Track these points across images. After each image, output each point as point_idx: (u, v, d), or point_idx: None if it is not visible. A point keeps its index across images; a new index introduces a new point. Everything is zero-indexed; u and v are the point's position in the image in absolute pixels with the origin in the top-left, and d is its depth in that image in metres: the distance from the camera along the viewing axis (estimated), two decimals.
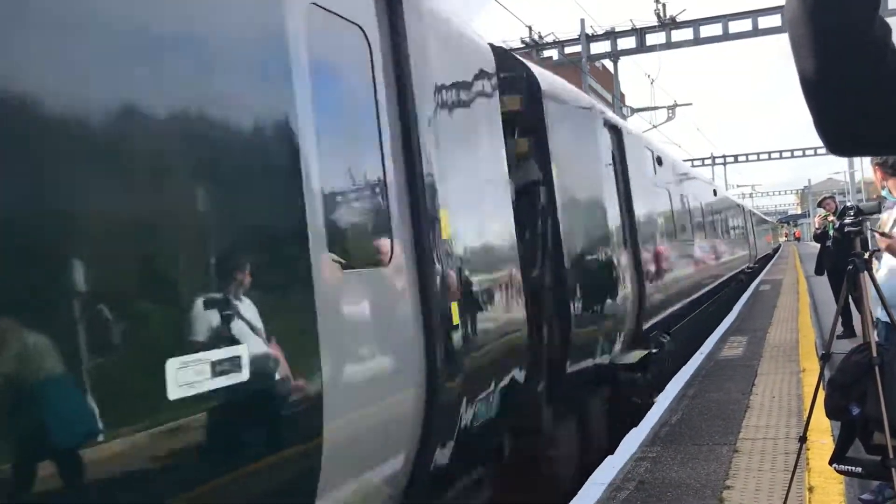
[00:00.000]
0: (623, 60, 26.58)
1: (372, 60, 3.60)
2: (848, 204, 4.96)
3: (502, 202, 5.12)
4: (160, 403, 2.22)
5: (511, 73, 6.11)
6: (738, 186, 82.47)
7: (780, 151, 57.50)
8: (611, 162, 8.31)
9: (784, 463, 5.63)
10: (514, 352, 4.95)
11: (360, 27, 3.55)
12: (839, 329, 6.04)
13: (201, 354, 2.37)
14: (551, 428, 6.02)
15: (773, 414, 7.27)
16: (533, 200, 6.02)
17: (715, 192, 20.42)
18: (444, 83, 4.34)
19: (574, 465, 6.54)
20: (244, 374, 2.52)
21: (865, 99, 1.12)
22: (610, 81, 29.11)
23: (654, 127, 28.84)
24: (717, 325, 14.76)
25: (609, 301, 7.26)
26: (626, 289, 7.84)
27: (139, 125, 2.31)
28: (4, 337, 1.90)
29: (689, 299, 12.54)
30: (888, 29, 1.13)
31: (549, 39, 25.30)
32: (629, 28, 24.75)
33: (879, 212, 5.04)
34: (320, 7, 3.23)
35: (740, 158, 61.18)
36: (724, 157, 62.21)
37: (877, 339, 4.45)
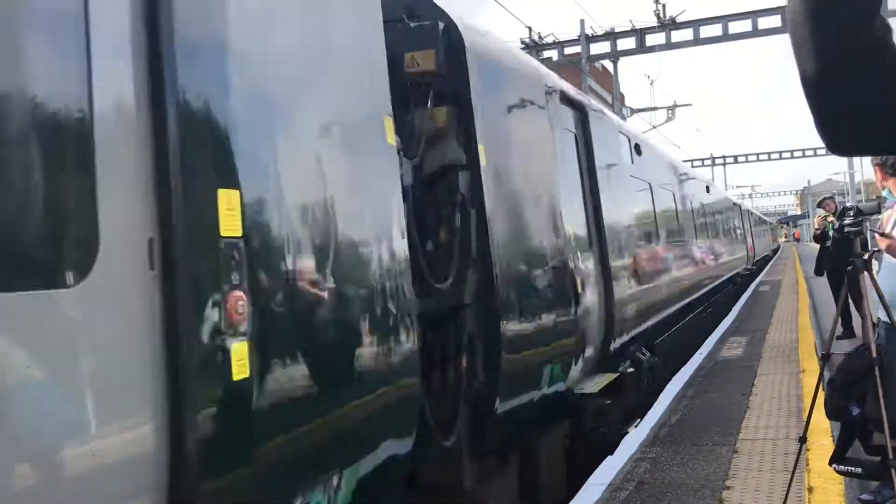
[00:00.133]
0: (623, 61, 26.63)
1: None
2: (847, 204, 4.93)
3: (380, 197, 3.68)
4: None
5: (422, 20, 4.80)
6: (737, 187, 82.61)
7: (780, 152, 57.57)
8: (572, 147, 7.02)
9: (784, 463, 5.63)
10: (391, 411, 3.48)
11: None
12: (839, 330, 6.04)
13: None
14: (479, 492, 4.94)
15: (772, 414, 7.27)
16: (448, 192, 4.74)
17: (708, 189, 18.77)
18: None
19: None
20: None
21: (866, 99, 1.13)
22: (610, 82, 29.12)
23: (654, 127, 28.87)
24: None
25: (562, 317, 5.86)
26: (589, 301, 6.56)
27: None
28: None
29: (676, 307, 11.26)
30: (889, 29, 1.13)
31: (549, 40, 25.33)
32: (629, 29, 24.77)
33: (879, 212, 5.05)
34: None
35: (740, 159, 61.24)
36: (723, 157, 62.28)
37: (877, 339, 4.46)
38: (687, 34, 24.44)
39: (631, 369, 7.76)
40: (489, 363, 4.75)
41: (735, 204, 26.70)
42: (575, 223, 6.59)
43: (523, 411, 5.23)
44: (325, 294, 3.06)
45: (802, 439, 4.56)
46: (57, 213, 2.07)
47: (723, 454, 6.09)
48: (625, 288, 7.84)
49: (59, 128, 2.06)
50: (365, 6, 3.70)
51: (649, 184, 10.45)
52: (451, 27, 4.85)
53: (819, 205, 12.59)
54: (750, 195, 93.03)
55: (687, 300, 12.42)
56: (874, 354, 4.05)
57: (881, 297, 4.44)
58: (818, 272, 12.36)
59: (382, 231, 3.61)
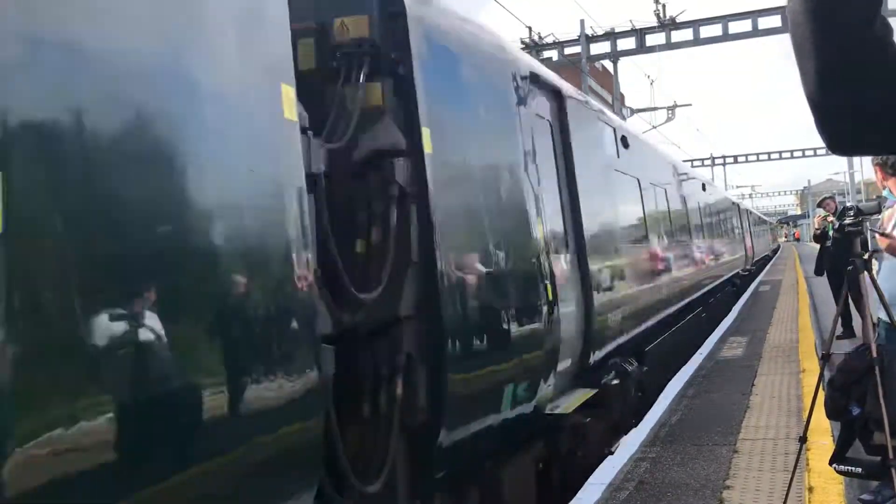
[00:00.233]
0: (623, 61, 26.61)
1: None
2: (848, 204, 4.91)
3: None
4: None
5: None
6: (737, 187, 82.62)
7: (780, 152, 57.56)
8: (545, 136, 6.26)
9: (784, 463, 5.63)
10: (274, 465, 2.75)
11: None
12: (839, 329, 6.04)
13: None
14: None
15: (772, 414, 7.27)
16: (382, 184, 3.98)
17: (704, 188, 17.56)
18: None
19: None
20: None
21: (867, 98, 1.13)
22: (610, 82, 29.12)
23: (654, 127, 28.88)
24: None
25: (528, 328, 5.16)
26: (563, 309, 5.77)
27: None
28: None
29: (668, 311, 10.51)
30: (889, 28, 1.13)
31: (549, 40, 25.33)
32: (629, 29, 24.76)
33: (879, 212, 5.04)
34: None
35: (740, 159, 61.23)
36: (723, 157, 62.26)
37: (878, 339, 4.46)
38: (687, 34, 24.44)
39: (616, 381, 7.00)
40: (432, 387, 4.02)
41: (733, 203, 25.82)
42: (547, 221, 5.79)
43: (479, 440, 4.51)
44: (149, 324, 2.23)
45: (803, 439, 4.56)
46: None
47: (723, 454, 6.09)
48: (608, 293, 7.17)
49: None
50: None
51: (638, 180, 9.68)
52: None
53: (819, 204, 12.59)
54: (750, 195, 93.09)
55: (681, 304, 11.70)
56: (874, 354, 4.05)
57: (881, 296, 4.44)
58: (818, 272, 12.37)
59: (269, 228, 2.92)
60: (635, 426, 7.28)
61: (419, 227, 4.05)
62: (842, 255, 5.20)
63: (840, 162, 68.26)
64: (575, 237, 6.52)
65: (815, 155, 54.41)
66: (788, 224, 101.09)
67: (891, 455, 3.90)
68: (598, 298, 6.71)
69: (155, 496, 2.21)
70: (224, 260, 2.66)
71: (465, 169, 4.72)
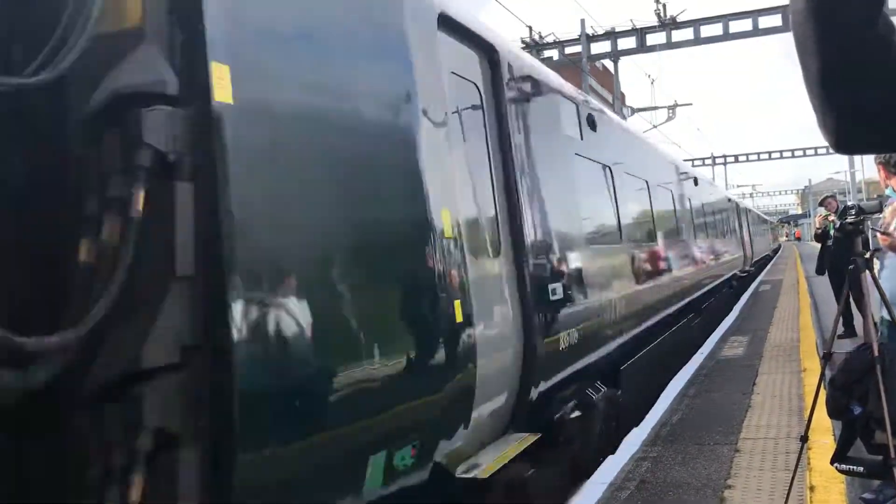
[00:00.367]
0: (623, 60, 26.58)
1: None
2: (849, 203, 4.92)
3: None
4: None
5: None
6: (738, 186, 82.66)
7: (781, 151, 57.56)
8: (469, 103, 4.90)
9: (785, 462, 5.62)
10: None
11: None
12: (840, 329, 6.04)
13: None
14: None
15: (774, 413, 7.27)
16: (123, 149, 2.56)
17: (696, 183, 15.74)
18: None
19: None
20: None
21: (869, 97, 1.13)
22: (610, 82, 29.12)
23: (655, 127, 28.87)
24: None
25: (410, 364, 3.64)
26: (484, 331, 4.42)
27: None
28: None
29: (653, 320, 9.25)
30: (892, 27, 1.13)
31: (550, 39, 25.34)
32: (629, 28, 24.76)
33: (881, 211, 5.04)
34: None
35: (741, 158, 61.23)
36: (724, 157, 62.29)
37: (880, 338, 4.45)
38: (687, 33, 24.44)
39: (576, 414, 5.86)
40: (213, 480, 2.55)
41: (730, 200, 23.98)
42: (463, 213, 4.37)
43: None
44: None
45: (804, 438, 4.56)
46: None
47: (724, 453, 6.09)
48: (561, 306, 5.74)
49: None
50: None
51: (609, 168, 8.16)
52: None
53: (821, 203, 12.58)
54: (751, 194, 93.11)
55: (668, 311, 10.34)
56: (876, 353, 4.05)
57: (882, 295, 4.44)
58: (819, 271, 12.37)
59: None
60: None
61: (196, 219, 2.60)
62: (843, 255, 5.19)
63: (841, 161, 68.25)
64: (512, 235, 5.09)
65: (816, 154, 54.43)
66: (789, 223, 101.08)
67: (892, 454, 3.89)
68: (546, 313, 5.41)
69: None
70: None
71: (299, 133, 3.16)
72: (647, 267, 9.30)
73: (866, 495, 4.77)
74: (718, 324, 14.90)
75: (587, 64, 24.92)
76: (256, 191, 2.82)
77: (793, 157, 57.14)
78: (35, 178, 2.58)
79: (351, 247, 3.38)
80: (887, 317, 4.53)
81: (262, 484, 2.69)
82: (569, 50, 25.64)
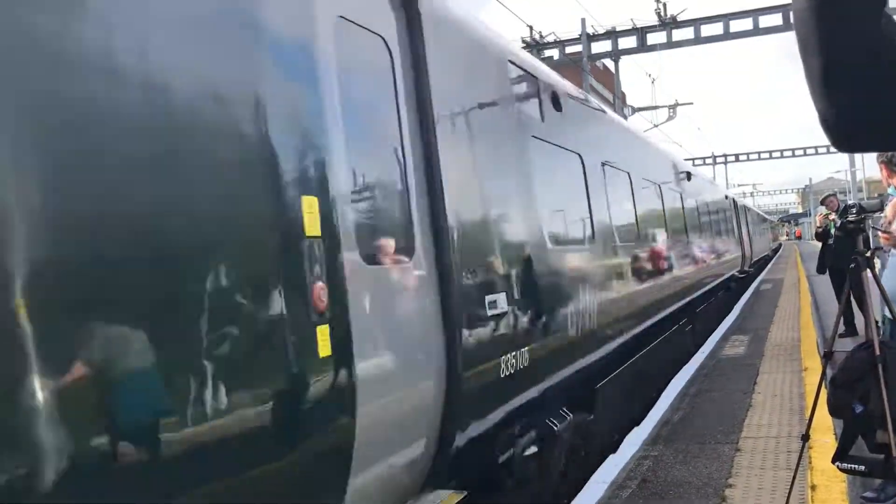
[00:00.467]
0: (624, 60, 26.57)
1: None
2: (850, 202, 4.89)
3: None
4: None
5: None
6: (739, 185, 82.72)
7: (781, 150, 57.54)
8: (377, 69, 3.85)
9: (786, 461, 5.62)
10: None
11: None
12: (841, 328, 6.04)
13: None
14: None
15: (775, 412, 7.27)
16: None
17: (689, 177, 14.37)
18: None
19: None
20: None
21: (872, 95, 1.13)
22: (611, 81, 29.12)
23: (656, 126, 28.86)
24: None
25: (227, 426, 2.55)
26: (375, 365, 3.39)
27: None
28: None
29: (637, 330, 8.24)
30: (895, 25, 1.13)
31: (550, 39, 25.34)
32: (630, 27, 24.77)
33: (882, 209, 5.04)
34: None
35: (741, 158, 61.21)
36: (724, 156, 62.26)
37: (882, 336, 4.46)
38: (688, 33, 24.46)
39: (533, 449, 4.97)
40: None
41: (727, 197, 22.39)
42: (346, 204, 3.32)
43: None
44: None
45: (805, 437, 4.56)
46: None
47: (725, 452, 6.09)
48: (505, 321, 4.66)
49: None
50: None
51: (580, 157, 6.94)
52: None
53: (822, 202, 12.59)
54: (752, 193, 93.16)
55: (654, 320, 9.18)
56: (877, 352, 4.05)
57: (883, 293, 4.44)
58: (820, 270, 12.37)
59: None
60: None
61: None
62: (844, 253, 5.19)
63: (841, 161, 68.26)
64: (433, 231, 4.01)
65: (817, 153, 54.41)
66: (790, 223, 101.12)
67: (894, 453, 3.90)
68: (481, 332, 4.35)
69: None
70: None
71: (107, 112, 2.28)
72: (628, 271, 8.10)
73: (868, 494, 4.77)
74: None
75: (588, 63, 24.92)
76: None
77: (793, 156, 57.09)
78: None
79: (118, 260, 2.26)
80: (889, 315, 4.53)
81: None
82: (569, 49, 25.65)
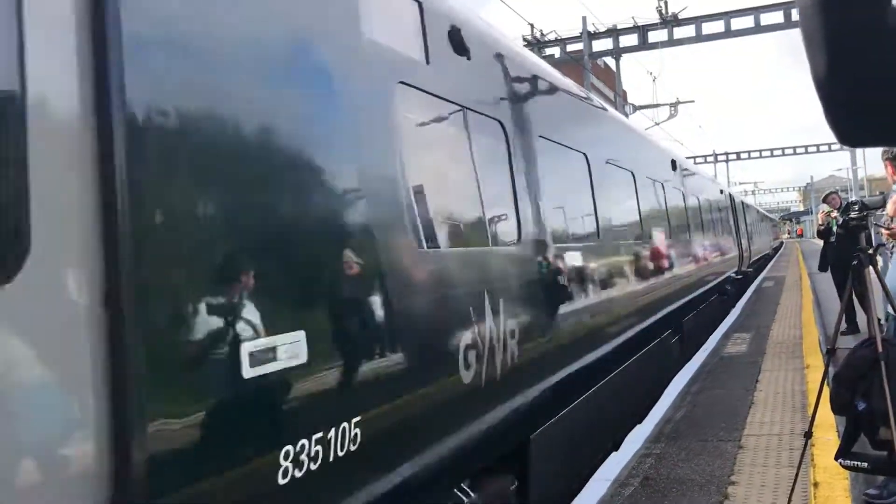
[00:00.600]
0: (625, 58, 26.59)
1: None
2: (852, 199, 4.88)
3: None
4: None
5: None
6: (740, 183, 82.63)
7: (783, 148, 57.55)
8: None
9: (789, 459, 5.62)
10: None
11: None
12: (843, 325, 6.04)
13: None
14: None
15: (777, 410, 7.27)
16: None
17: (675, 165, 12.47)
18: None
19: None
20: None
21: (878, 90, 1.13)
22: (612, 79, 29.10)
23: (657, 124, 28.85)
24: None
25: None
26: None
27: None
28: None
29: (597, 354, 6.14)
30: None
31: (552, 37, 25.33)
32: (631, 25, 24.80)
33: (884, 206, 5.04)
34: None
35: (742, 156, 61.21)
36: (726, 154, 62.26)
37: (885, 333, 4.46)
38: (689, 31, 24.48)
39: None
40: None
41: (722, 192, 20.51)
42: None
43: None
44: None
45: (808, 434, 4.56)
46: None
47: (728, 450, 6.09)
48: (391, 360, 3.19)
49: None
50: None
51: (501, 123, 4.80)
52: None
53: (824, 200, 12.58)
54: (753, 191, 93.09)
55: (626, 336, 7.25)
56: (880, 349, 4.06)
57: (886, 290, 4.44)
58: (822, 268, 12.36)
59: None
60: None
61: None
62: (846, 251, 5.19)
63: (843, 158, 68.21)
64: (279, 233, 2.75)
65: (818, 151, 54.38)
66: (791, 220, 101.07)
67: None
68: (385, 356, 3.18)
69: None
70: None
71: None
72: (574, 279, 5.81)
73: (870, 491, 4.77)
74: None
75: (589, 61, 24.91)
76: None
77: (794, 154, 57.11)
78: None
79: None
80: (891, 312, 4.54)
81: None
82: (570, 47, 25.65)
